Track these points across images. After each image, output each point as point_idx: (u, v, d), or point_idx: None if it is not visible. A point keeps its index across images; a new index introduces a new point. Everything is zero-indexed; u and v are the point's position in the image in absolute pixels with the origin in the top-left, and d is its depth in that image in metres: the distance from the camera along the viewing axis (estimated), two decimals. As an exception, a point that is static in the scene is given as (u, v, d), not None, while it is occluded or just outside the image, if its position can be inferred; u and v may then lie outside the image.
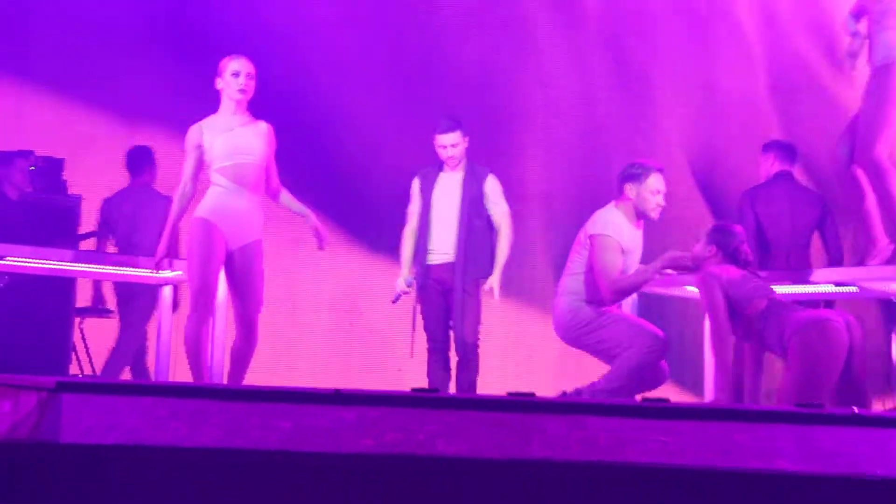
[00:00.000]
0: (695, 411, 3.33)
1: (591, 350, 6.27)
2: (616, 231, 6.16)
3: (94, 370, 8.03)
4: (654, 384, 6.12)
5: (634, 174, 6.19)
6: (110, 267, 6.78)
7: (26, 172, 7.81)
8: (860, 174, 6.06)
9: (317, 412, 3.12)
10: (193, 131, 6.06)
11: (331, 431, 3.10)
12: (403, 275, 7.13)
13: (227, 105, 6.08)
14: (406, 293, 7.15)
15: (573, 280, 6.27)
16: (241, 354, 6.07)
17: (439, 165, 7.15)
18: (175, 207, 6.07)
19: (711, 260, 5.90)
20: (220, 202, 5.96)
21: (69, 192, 8.06)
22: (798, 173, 7.66)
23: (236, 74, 6.03)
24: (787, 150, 7.77)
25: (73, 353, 7.86)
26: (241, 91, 6.03)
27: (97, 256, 6.77)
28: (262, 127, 6.14)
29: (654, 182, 6.17)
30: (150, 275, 6.63)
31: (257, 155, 6.06)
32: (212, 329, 6.14)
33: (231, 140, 6.00)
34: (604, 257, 6.10)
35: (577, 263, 6.29)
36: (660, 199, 6.21)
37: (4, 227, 6.96)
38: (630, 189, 6.19)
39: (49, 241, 7.36)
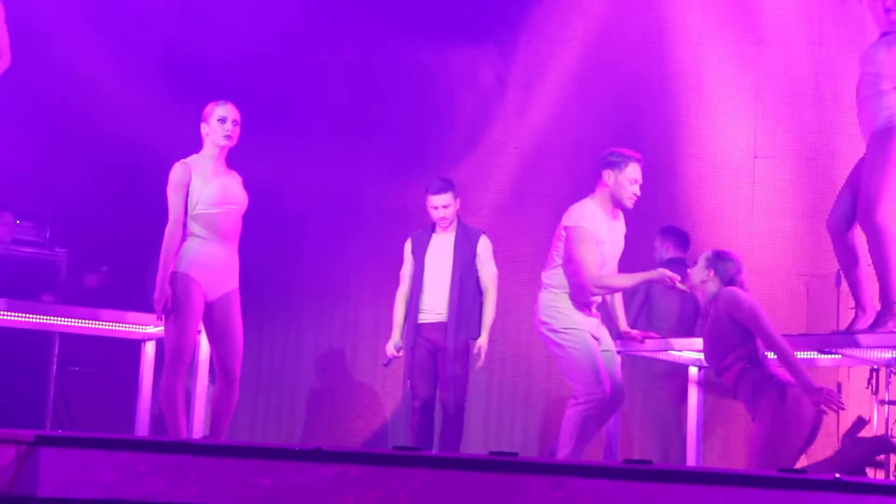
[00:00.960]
0: (676, 474, 3.31)
1: (550, 352, 6.33)
2: (591, 222, 6.15)
3: (73, 425, 7.99)
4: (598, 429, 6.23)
5: (614, 162, 6.20)
6: (93, 322, 6.73)
7: (11, 226, 7.81)
8: (855, 241, 6.08)
9: (297, 469, 3.09)
10: (181, 170, 5.96)
11: (311, 489, 3.07)
12: (394, 338, 7.17)
13: (211, 150, 6.04)
14: (396, 357, 7.17)
15: (553, 274, 6.26)
16: (223, 405, 6.03)
17: (431, 227, 7.19)
18: (168, 254, 5.87)
19: (708, 285, 5.88)
20: (201, 254, 5.92)
21: (54, 247, 8.09)
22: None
23: (223, 121, 6.01)
24: (682, 238, 7.96)
25: (53, 407, 7.81)
26: (227, 137, 6.02)
27: (80, 311, 6.72)
28: (239, 177, 6.14)
29: (632, 171, 6.18)
30: (133, 330, 6.62)
31: (242, 204, 6.07)
32: (194, 383, 6.10)
33: (222, 187, 5.99)
34: (581, 249, 6.10)
35: (555, 257, 6.28)
36: (636, 189, 6.22)
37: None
38: (609, 176, 6.19)
39: (32, 294, 7.36)
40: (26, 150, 8.55)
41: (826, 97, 8.50)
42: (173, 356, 5.89)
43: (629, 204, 6.24)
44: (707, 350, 5.90)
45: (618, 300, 6.60)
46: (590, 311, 6.26)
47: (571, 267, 6.17)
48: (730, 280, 5.85)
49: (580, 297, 6.19)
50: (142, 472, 3.06)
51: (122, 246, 8.20)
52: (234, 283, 6.04)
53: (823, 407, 5.48)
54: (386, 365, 7.33)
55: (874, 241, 5.91)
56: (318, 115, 9.34)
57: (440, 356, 7.06)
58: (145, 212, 7.27)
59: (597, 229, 6.17)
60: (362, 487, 3.08)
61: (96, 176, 8.73)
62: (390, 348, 7.18)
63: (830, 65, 8.44)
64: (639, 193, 6.24)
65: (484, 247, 7.17)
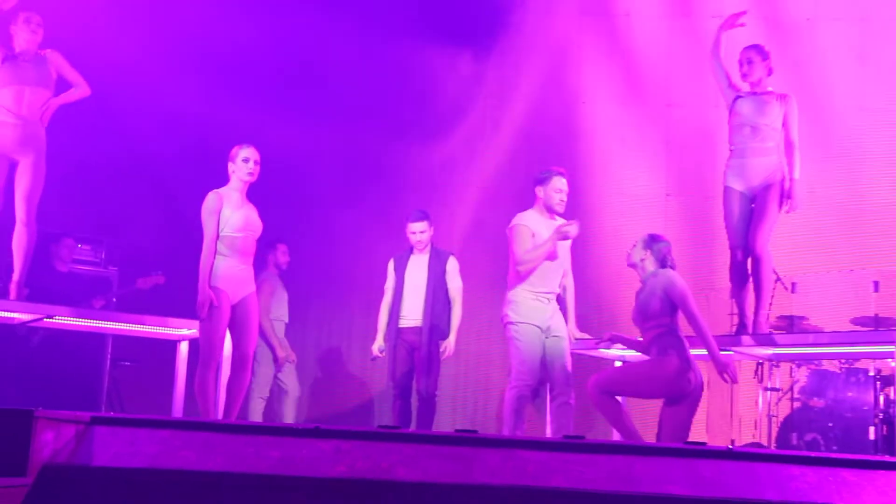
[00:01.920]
0: (605, 447, 3.32)
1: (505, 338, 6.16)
2: (524, 220, 6.09)
3: (123, 408, 7.94)
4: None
5: (542, 178, 6.13)
6: (139, 325, 6.71)
7: (73, 249, 7.77)
8: (745, 265, 6.12)
9: (300, 444, 3.09)
10: (215, 199, 5.98)
11: (312, 459, 3.07)
12: (378, 341, 7.15)
13: (236, 184, 6.06)
14: (381, 356, 7.16)
15: (510, 275, 6.14)
16: (236, 387, 6.03)
17: (410, 249, 7.21)
18: (206, 267, 5.90)
19: (646, 263, 5.80)
20: (226, 271, 5.94)
21: (108, 266, 8.06)
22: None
23: (246, 160, 6.04)
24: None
25: (107, 394, 7.78)
26: (250, 174, 6.06)
27: (128, 317, 6.69)
28: (255, 209, 6.15)
29: (557, 182, 6.10)
30: (170, 331, 6.60)
31: (258, 231, 6.10)
32: (218, 375, 6.07)
33: (246, 216, 6.01)
34: (516, 241, 6.03)
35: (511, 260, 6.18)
36: (562, 196, 6.10)
37: (53, 293, 6.89)
38: (539, 191, 6.12)
39: (89, 304, 7.32)
40: (86, 184, 8.51)
41: (723, 146, 8.56)
42: (206, 352, 5.89)
43: (560, 209, 6.12)
44: (636, 313, 5.81)
45: (570, 304, 6.41)
46: (545, 301, 6.07)
47: (513, 258, 6.08)
48: (663, 258, 5.79)
49: (531, 287, 6.03)
50: (177, 446, 3.05)
51: (161, 264, 8.16)
52: (251, 289, 6.07)
53: (726, 375, 5.54)
54: (372, 360, 7.32)
55: (756, 264, 5.98)
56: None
57: (416, 354, 7.06)
58: (181, 236, 7.27)
59: (531, 225, 6.09)
60: (353, 458, 3.08)
61: (142, 207, 8.69)
62: (375, 349, 7.18)
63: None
64: (565, 200, 6.11)
65: (452, 265, 7.18)
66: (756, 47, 6.12)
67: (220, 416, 6.06)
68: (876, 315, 7.21)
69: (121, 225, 8.67)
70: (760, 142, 5.99)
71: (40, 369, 7.34)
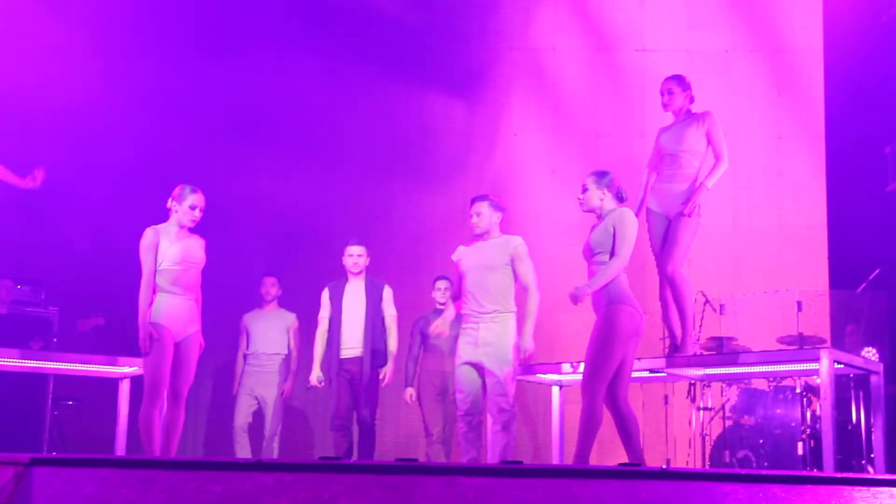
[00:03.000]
0: (543, 471, 3.31)
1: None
2: (456, 256, 6.18)
3: (66, 447, 7.78)
4: None
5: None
6: (80, 364, 6.58)
7: (11, 290, 7.62)
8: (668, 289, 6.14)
9: (242, 478, 3.04)
10: (152, 235, 5.86)
11: (254, 493, 3.02)
12: (315, 370, 7.08)
13: (175, 224, 5.92)
14: (319, 385, 7.10)
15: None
16: (172, 424, 5.92)
17: (344, 278, 7.16)
18: (145, 302, 5.79)
19: (605, 202, 5.57)
20: (168, 308, 5.84)
21: (48, 306, 7.92)
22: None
23: (193, 208, 5.91)
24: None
25: (49, 434, 7.62)
26: (193, 222, 5.95)
27: (69, 357, 6.57)
28: (202, 241, 6.05)
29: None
30: (112, 370, 6.48)
31: (202, 263, 5.99)
32: (161, 412, 5.97)
33: (185, 248, 5.90)
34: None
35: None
36: (475, 220, 6.03)
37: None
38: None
39: (27, 345, 7.18)
40: (25, 226, 8.37)
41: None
42: (150, 390, 5.78)
43: (475, 231, 6.08)
44: (586, 247, 5.59)
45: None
46: (466, 332, 6.03)
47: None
48: (618, 191, 5.61)
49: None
50: (117, 484, 2.98)
51: (102, 303, 8.04)
52: (195, 327, 5.96)
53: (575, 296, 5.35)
54: (308, 389, 7.29)
55: (674, 289, 5.99)
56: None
57: (357, 383, 7.01)
58: (121, 274, 7.15)
59: (457, 257, 6.17)
60: (295, 491, 3.04)
61: (81, 245, 8.55)
62: (313, 378, 7.10)
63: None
64: (475, 223, 6.05)
65: (388, 294, 7.16)
66: (676, 77, 6.19)
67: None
68: (800, 334, 7.34)
69: (60, 266, 8.51)
70: (678, 168, 6.02)
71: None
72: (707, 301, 7.83)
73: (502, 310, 5.98)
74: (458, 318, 6.16)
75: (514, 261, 6.01)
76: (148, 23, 9.01)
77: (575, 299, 5.41)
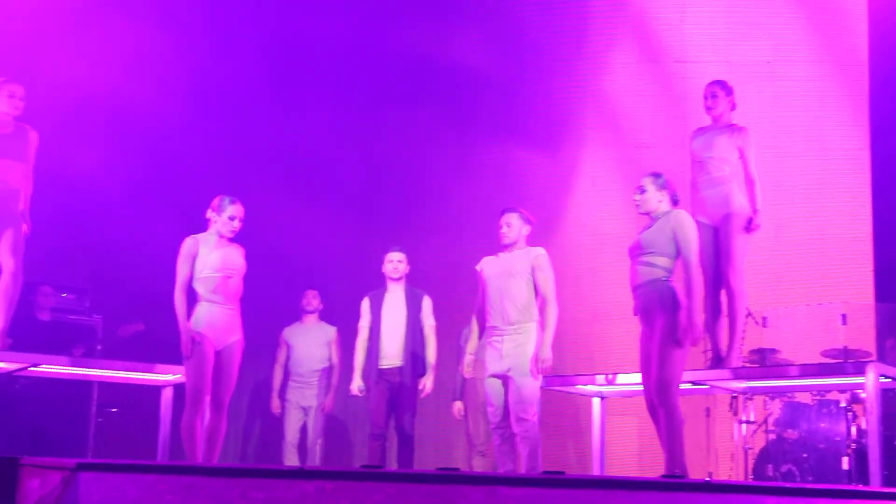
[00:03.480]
0: (584, 482, 3.30)
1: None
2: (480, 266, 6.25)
3: (109, 454, 7.85)
4: None
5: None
6: (124, 372, 6.64)
7: (50, 298, 7.68)
8: (720, 298, 6.11)
9: (285, 485, 3.05)
10: (191, 244, 5.90)
11: (297, 500, 3.03)
12: (356, 381, 7.06)
13: (215, 233, 5.95)
14: (360, 395, 7.09)
15: None
16: (214, 431, 5.93)
17: (383, 287, 7.15)
18: (180, 306, 5.82)
19: (661, 205, 5.54)
20: (209, 317, 5.87)
21: (92, 314, 8.01)
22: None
23: (232, 219, 5.94)
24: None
25: (93, 440, 7.70)
26: (233, 232, 5.97)
27: (111, 364, 6.64)
28: (241, 249, 6.06)
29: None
30: (154, 377, 6.54)
31: (242, 270, 6.00)
32: (203, 420, 6.00)
33: (224, 255, 5.92)
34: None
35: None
36: (504, 230, 6.10)
37: (34, 342, 6.81)
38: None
39: (69, 352, 7.25)
40: (73, 234, 8.49)
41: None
42: (192, 397, 5.81)
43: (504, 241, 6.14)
44: (634, 245, 5.56)
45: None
46: (491, 345, 6.09)
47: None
48: (673, 194, 5.58)
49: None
50: (161, 490, 3.01)
51: (143, 310, 8.12)
52: (237, 336, 5.96)
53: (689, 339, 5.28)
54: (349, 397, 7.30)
55: (730, 299, 5.98)
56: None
57: (397, 393, 7.00)
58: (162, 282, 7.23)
59: (481, 267, 6.24)
60: (336, 498, 3.05)
61: (126, 255, 8.65)
62: (354, 388, 7.09)
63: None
64: (505, 233, 6.10)
65: (427, 304, 7.15)
66: (720, 82, 6.20)
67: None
68: (845, 347, 7.24)
69: (106, 275, 8.61)
70: (708, 174, 6.03)
71: (25, 417, 7.25)
72: (750, 313, 7.74)
73: (525, 320, 6.00)
74: (486, 331, 6.18)
75: (535, 270, 6.05)
76: (214, 47, 9.15)
77: (696, 341, 5.39)
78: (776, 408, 7.63)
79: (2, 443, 6.98)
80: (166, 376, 6.55)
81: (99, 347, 7.89)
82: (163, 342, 7.28)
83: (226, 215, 5.93)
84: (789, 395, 7.48)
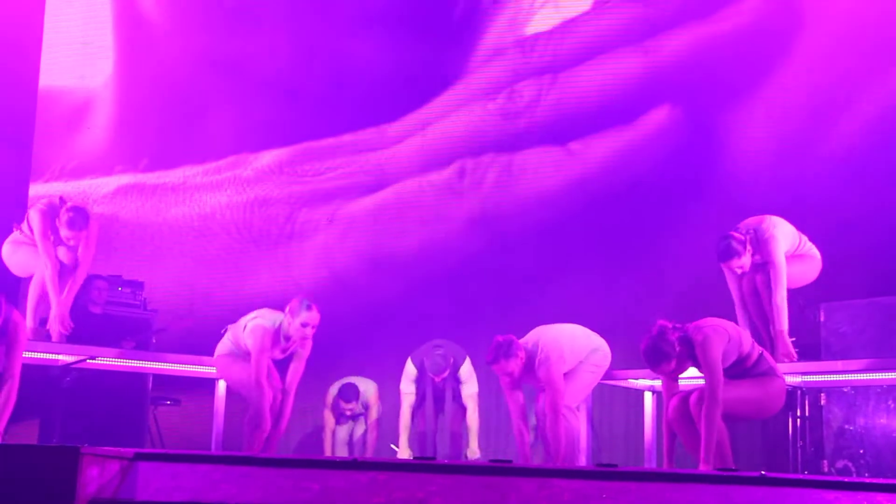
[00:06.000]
0: (638, 474, 3.30)
1: None
2: None
3: (163, 444, 7.96)
4: None
5: None
6: (175, 365, 6.71)
7: (104, 291, 7.79)
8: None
9: (339, 476, 3.09)
10: (268, 343, 5.72)
11: (350, 491, 3.07)
12: (403, 446, 6.78)
13: (284, 333, 5.71)
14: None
15: None
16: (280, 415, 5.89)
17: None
18: (259, 385, 5.70)
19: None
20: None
21: (147, 308, 8.12)
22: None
23: (305, 325, 5.66)
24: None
25: (148, 431, 7.82)
26: (304, 339, 5.73)
27: (165, 357, 6.71)
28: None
29: None
30: (207, 371, 6.60)
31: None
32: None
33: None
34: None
35: None
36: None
37: (86, 335, 6.91)
38: None
39: (119, 345, 7.32)
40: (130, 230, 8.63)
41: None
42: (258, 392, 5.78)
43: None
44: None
45: None
46: None
47: None
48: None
49: None
50: (217, 479, 3.06)
51: (194, 306, 8.24)
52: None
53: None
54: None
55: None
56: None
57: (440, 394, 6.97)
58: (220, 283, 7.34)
59: None
60: (390, 490, 3.08)
61: (187, 255, 8.77)
62: (402, 454, 6.77)
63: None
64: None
65: (466, 368, 6.96)
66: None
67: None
68: (904, 341, 7.13)
69: (162, 270, 8.74)
70: None
71: (83, 408, 7.37)
72: (806, 306, 7.65)
73: None
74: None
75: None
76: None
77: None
78: (832, 402, 7.54)
79: (60, 433, 7.11)
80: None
81: (154, 341, 7.99)
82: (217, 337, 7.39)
83: (299, 320, 5.63)
84: (846, 389, 7.39)
